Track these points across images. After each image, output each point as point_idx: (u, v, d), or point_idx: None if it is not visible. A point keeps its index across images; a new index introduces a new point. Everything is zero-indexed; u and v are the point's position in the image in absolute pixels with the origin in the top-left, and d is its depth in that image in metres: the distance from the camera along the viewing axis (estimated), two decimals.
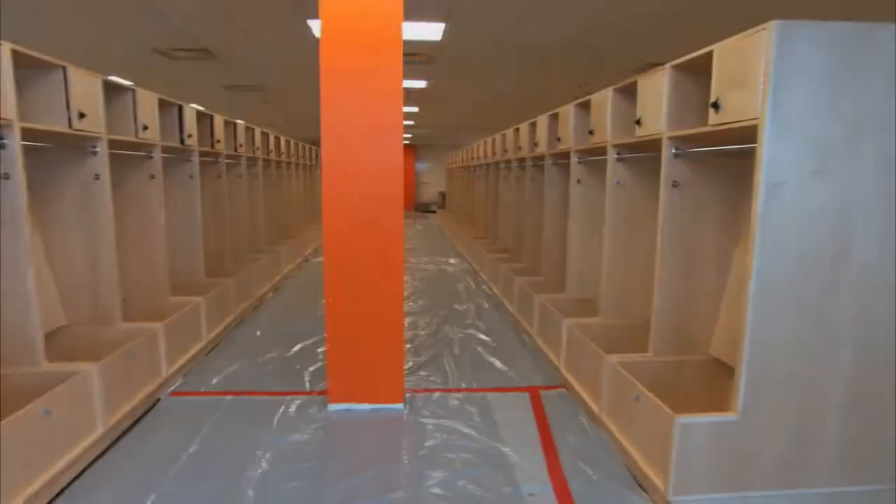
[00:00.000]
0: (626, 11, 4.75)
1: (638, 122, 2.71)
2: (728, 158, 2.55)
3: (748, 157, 2.02)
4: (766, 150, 1.86)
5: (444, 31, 5.46)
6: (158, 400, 3.05)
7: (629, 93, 2.89)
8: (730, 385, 2.14)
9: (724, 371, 2.56)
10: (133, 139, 3.19)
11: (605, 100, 3.09)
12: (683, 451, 2.00)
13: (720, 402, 2.56)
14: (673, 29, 5.21)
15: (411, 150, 21.02)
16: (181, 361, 3.38)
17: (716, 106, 2.07)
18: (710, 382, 2.64)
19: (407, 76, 7.64)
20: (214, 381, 3.34)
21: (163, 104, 3.58)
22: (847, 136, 1.88)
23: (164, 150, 3.65)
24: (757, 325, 1.96)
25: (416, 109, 11.60)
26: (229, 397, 3.10)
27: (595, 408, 2.77)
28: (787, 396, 2.01)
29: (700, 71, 2.32)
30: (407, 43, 6.05)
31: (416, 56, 6.56)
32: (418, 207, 20.58)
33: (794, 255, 1.93)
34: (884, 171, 1.90)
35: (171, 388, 3.20)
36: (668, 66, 2.43)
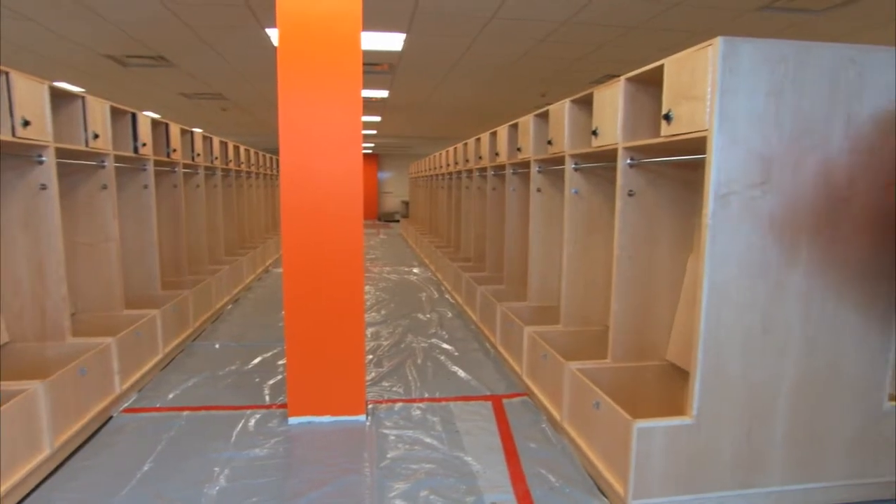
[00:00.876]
0: (585, 23, 4.86)
1: (594, 133, 2.77)
2: (680, 169, 2.63)
3: (699, 167, 2.09)
4: (715, 161, 1.92)
5: (405, 41, 5.48)
6: (111, 417, 2.94)
7: (586, 104, 2.95)
8: (685, 389, 2.20)
9: (680, 375, 2.63)
10: (83, 148, 3.10)
11: (562, 110, 3.15)
12: (642, 456, 2.04)
13: (677, 406, 2.63)
14: (632, 41, 5.36)
15: (374, 159, 20.95)
16: (136, 377, 3.27)
17: (667, 118, 2.14)
18: (667, 387, 2.71)
19: (368, 86, 7.72)
20: (171, 396, 3.24)
21: (115, 112, 3.49)
22: (790, 148, 1.96)
23: (118, 159, 3.56)
24: (709, 330, 2.02)
25: (378, 119, 11.58)
26: (186, 412, 3.01)
27: (557, 415, 2.80)
28: (739, 399, 2.07)
29: (654, 83, 2.39)
30: (368, 52, 6.04)
31: (377, 66, 6.56)
32: (381, 217, 20.50)
33: (743, 262, 2.00)
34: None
35: (125, 405, 3.10)
36: (622, 78, 2.50)
